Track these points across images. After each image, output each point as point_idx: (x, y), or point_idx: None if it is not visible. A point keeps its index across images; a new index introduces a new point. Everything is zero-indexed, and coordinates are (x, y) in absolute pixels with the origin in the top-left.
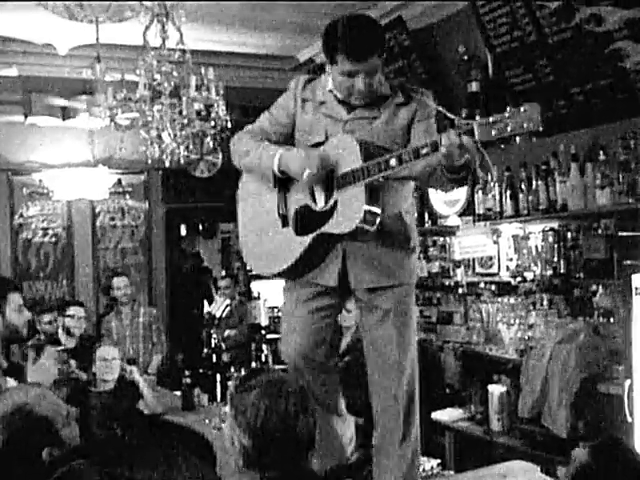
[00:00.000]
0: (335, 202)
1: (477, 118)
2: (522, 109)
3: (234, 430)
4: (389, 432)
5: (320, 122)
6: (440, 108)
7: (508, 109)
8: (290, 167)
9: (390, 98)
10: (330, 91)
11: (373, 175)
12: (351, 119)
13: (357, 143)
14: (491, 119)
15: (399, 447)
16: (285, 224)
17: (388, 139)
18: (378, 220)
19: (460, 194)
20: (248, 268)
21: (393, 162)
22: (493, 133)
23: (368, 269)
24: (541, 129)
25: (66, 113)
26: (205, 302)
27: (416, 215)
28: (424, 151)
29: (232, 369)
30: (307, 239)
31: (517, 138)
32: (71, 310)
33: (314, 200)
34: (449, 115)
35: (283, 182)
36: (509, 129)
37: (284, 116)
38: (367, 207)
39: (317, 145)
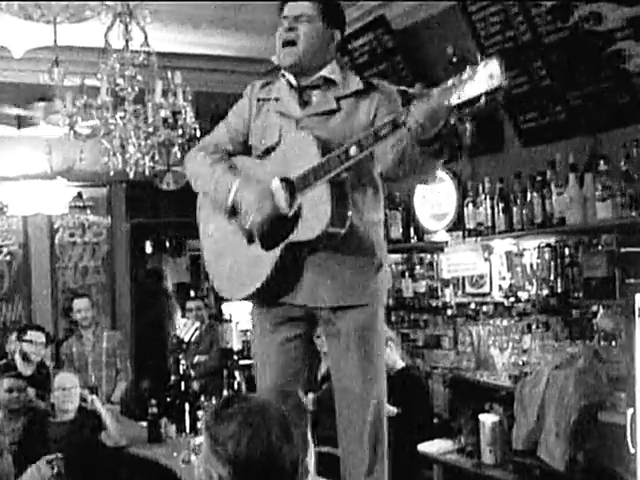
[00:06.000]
0: (299, 207)
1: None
2: (482, 65)
3: (210, 462)
4: (354, 466)
5: (273, 122)
6: (401, 87)
7: (467, 68)
8: (242, 205)
9: (346, 87)
10: (283, 75)
11: (334, 170)
12: (305, 116)
13: (314, 138)
14: (450, 82)
15: None
16: (251, 240)
17: (348, 137)
18: (349, 221)
19: (449, 207)
20: (220, 295)
21: (353, 151)
22: (454, 97)
23: (326, 286)
24: (504, 83)
25: (22, 121)
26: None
27: (397, 232)
28: (384, 131)
29: (202, 398)
30: (276, 252)
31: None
32: (29, 335)
33: (279, 207)
34: (409, 90)
35: None
36: (472, 91)
37: (240, 122)
38: (334, 207)
39: (271, 149)
